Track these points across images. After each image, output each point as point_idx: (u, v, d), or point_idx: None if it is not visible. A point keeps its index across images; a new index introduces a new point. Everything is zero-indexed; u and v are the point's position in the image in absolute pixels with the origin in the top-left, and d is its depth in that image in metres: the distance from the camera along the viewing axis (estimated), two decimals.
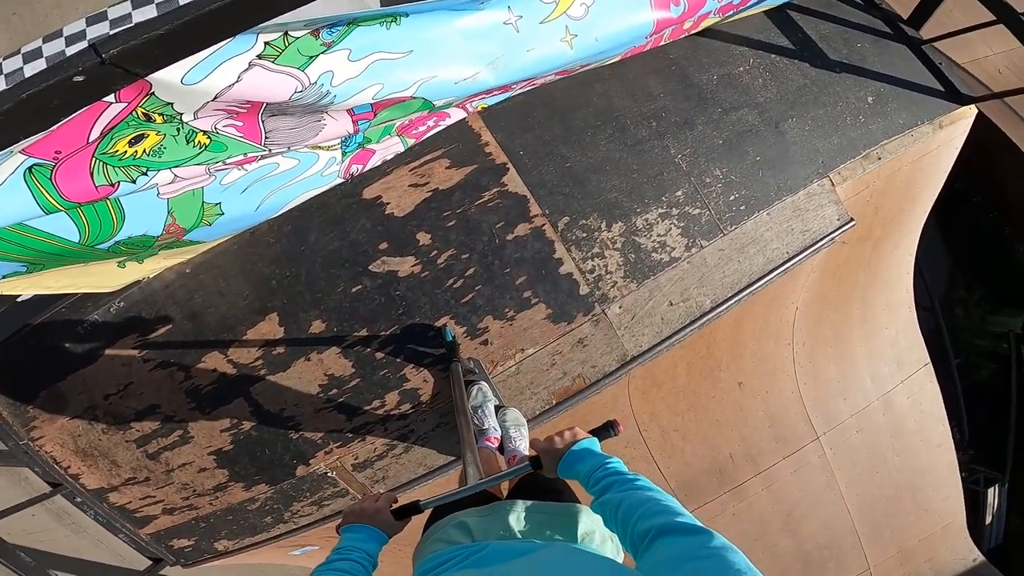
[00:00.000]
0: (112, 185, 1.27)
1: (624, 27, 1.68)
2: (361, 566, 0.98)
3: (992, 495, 5.73)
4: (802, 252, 2.26)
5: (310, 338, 2.14)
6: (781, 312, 2.86)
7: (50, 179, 1.14)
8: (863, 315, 3.31)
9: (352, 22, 1.23)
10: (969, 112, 2.62)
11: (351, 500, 2.28)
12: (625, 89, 2.20)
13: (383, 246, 2.08)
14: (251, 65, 1.13)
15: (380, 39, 1.22)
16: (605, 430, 1.10)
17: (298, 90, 1.24)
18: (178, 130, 1.27)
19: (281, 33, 1.15)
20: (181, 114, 1.21)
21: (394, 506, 1.12)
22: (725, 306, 2.25)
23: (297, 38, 1.17)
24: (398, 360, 2.18)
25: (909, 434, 3.76)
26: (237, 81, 1.14)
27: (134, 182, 1.30)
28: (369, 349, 2.15)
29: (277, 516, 2.29)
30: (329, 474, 2.23)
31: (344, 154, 1.76)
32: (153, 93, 1.11)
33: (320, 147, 1.63)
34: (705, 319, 2.26)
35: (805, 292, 2.82)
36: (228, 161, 1.39)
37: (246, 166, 1.55)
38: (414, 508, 1.09)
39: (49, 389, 2.10)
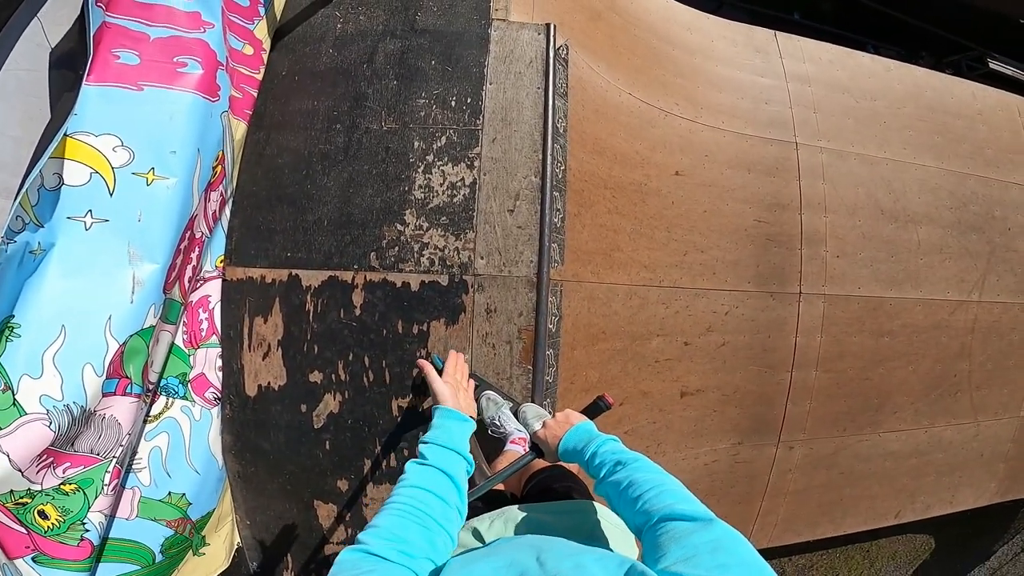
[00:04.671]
0: (82, 540, 1.56)
1: (174, 117, 1.67)
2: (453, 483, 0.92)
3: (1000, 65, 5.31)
4: (548, 76, 2.05)
5: (350, 495, 2.36)
6: (621, 117, 2.51)
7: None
8: (683, 47, 2.90)
9: None
10: None
11: None
12: (289, 129, 2.14)
13: (304, 408, 2.24)
14: None
15: (23, 348, 1.35)
16: (595, 407, 1.16)
17: (48, 425, 1.41)
18: (48, 495, 1.51)
19: None
20: (28, 489, 1.44)
21: None
22: (549, 165, 2.07)
23: None
24: (406, 453, 2.32)
25: (873, 91, 3.26)
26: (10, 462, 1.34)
27: (87, 531, 1.57)
28: (385, 464, 2.32)
29: None
30: None
31: (185, 397, 1.94)
32: None
33: (155, 417, 1.82)
34: (549, 187, 2.09)
35: (615, 83, 2.48)
36: (107, 482, 1.61)
37: (136, 468, 1.79)
38: None
39: None
